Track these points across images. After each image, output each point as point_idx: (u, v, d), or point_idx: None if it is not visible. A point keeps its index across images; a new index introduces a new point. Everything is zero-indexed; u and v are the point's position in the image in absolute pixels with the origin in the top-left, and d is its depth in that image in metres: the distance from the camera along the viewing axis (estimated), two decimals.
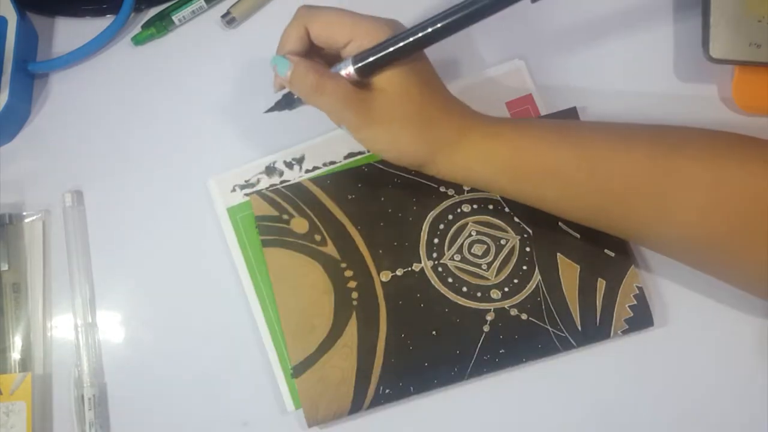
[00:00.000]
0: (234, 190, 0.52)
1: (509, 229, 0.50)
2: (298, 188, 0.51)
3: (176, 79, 0.55)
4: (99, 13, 0.55)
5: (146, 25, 0.55)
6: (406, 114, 0.43)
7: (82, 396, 0.49)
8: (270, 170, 0.52)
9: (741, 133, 0.44)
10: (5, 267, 0.50)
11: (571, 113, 0.52)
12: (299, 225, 0.50)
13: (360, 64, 0.42)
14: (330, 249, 0.50)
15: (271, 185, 0.52)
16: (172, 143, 0.54)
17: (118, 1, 0.54)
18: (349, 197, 0.51)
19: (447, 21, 0.40)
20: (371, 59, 0.42)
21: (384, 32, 0.42)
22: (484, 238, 0.50)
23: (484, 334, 0.49)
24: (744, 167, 0.42)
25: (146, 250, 0.52)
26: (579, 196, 0.44)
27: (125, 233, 0.52)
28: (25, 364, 0.49)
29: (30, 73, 0.54)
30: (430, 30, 0.41)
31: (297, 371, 0.48)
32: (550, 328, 0.49)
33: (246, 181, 0.52)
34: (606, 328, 0.49)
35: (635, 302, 0.49)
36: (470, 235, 0.50)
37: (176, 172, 0.53)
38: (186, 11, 0.55)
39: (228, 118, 0.54)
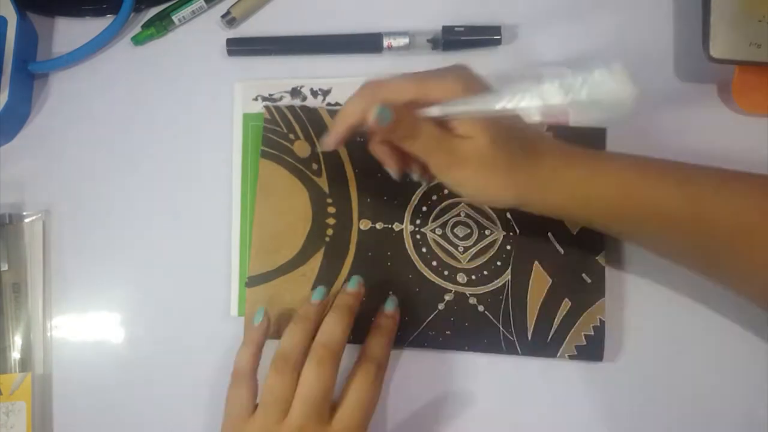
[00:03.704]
0: (256, 99, 0.53)
1: (498, 222, 0.50)
2: (312, 113, 0.52)
3: (176, 79, 0.55)
4: (99, 13, 0.55)
5: (146, 25, 0.55)
6: (495, 160, 0.41)
7: None
8: (295, 92, 0.53)
9: None
10: (5, 267, 0.50)
11: (599, 134, 0.51)
12: (301, 148, 0.51)
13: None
14: (322, 181, 0.51)
15: (291, 105, 0.52)
16: (173, 143, 0.54)
17: (118, 1, 0.54)
18: (358, 139, 0.50)
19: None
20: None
21: (454, 89, 0.40)
22: (470, 223, 0.50)
23: (437, 311, 0.49)
24: None
25: (145, 249, 0.52)
26: (681, 237, 0.42)
27: (125, 233, 0.52)
28: (25, 364, 0.49)
29: (30, 73, 0.54)
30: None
31: (251, 282, 0.49)
32: (502, 328, 0.49)
33: (270, 95, 0.53)
34: (555, 347, 0.48)
35: (592, 333, 0.48)
36: (458, 215, 0.50)
37: (176, 171, 0.53)
38: (186, 11, 0.55)
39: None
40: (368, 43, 0.54)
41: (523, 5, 0.55)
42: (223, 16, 0.55)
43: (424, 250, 0.50)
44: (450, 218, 0.50)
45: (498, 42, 0.54)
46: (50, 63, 0.54)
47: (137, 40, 0.55)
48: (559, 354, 0.48)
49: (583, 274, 0.49)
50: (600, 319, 0.49)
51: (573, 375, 0.49)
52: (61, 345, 0.51)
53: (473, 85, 0.41)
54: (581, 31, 0.55)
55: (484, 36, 0.54)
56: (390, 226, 0.50)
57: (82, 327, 0.51)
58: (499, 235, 0.50)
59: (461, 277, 0.50)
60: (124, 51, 0.55)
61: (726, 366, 0.49)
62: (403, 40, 0.53)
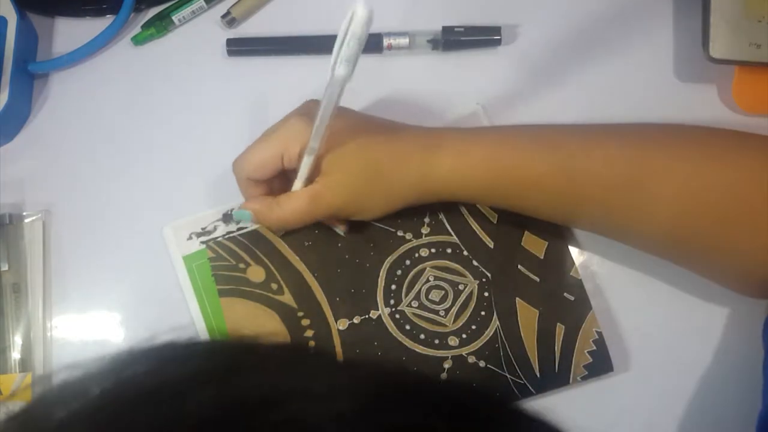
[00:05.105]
0: (190, 238, 0.51)
1: (467, 273, 0.50)
2: (254, 236, 0.50)
3: (176, 79, 0.55)
4: (99, 13, 0.55)
5: (146, 25, 0.55)
6: (358, 183, 0.44)
7: None
8: (227, 217, 0.51)
9: (716, 127, 0.44)
10: (5, 267, 0.50)
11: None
12: (256, 274, 0.50)
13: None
14: (287, 298, 0.49)
15: (228, 233, 0.51)
16: (172, 142, 0.54)
17: (118, 1, 0.54)
18: (306, 244, 0.50)
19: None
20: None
21: (300, 133, 0.43)
22: (442, 284, 0.49)
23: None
24: (722, 159, 0.41)
25: (145, 249, 0.52)
26: (560, 203, 0.44)
27: (126, 233, 0.52)
28: (25, 364, 0.49)
29: (30, 73, 0.54)
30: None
31: None
32: (509, 376, 0.48)
33: (203, 229, 0.51)
34: (565, 374, 0.48)
35: (594, 348, 0.48)
36: (428, 280, 0.50)
37: (176, 170, 0.53)
38: (186, 11, 0.55)
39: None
40: (368, 44, 0.53)
41: (523, 5, 0.55)
42: (223, 17, 0.55)
43: (408, 327, 0.49)
44: (421, 286, 0.49)
45: (498, 42, 0.54)
46: (50, 63, 0.54)
47: (137, 40, 0.55)
48: (571, 380, 0.48)
49: (565, 294, 0.49)
50: (596, 332, 0.48)
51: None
52: (61, 345, 0.51)
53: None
54: (581, 32, 0.55)
55: (484, 36, 0.54)
56: (367, 315, 0.49)
57: (82, 327, 0.51)
58: (473, 285, 0.49)
59: (453, 341, 0.49)
60: (124, 51, 0.55)
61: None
62: (403, 40, 0.53)
